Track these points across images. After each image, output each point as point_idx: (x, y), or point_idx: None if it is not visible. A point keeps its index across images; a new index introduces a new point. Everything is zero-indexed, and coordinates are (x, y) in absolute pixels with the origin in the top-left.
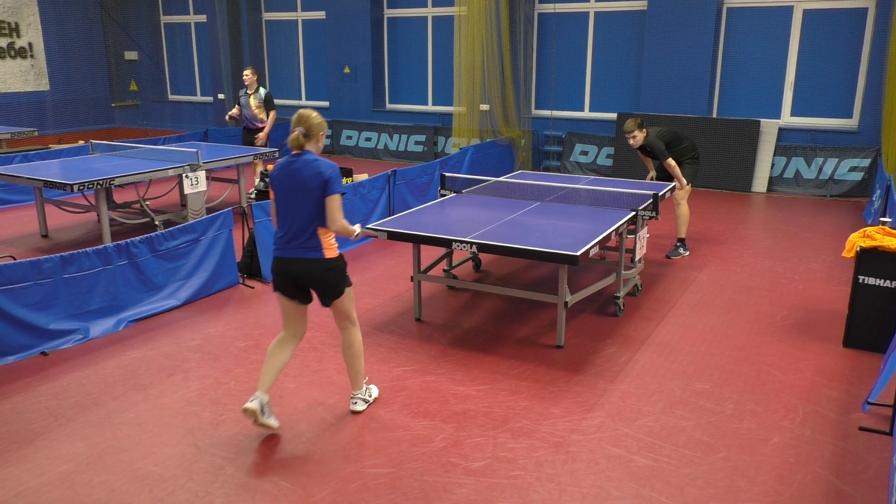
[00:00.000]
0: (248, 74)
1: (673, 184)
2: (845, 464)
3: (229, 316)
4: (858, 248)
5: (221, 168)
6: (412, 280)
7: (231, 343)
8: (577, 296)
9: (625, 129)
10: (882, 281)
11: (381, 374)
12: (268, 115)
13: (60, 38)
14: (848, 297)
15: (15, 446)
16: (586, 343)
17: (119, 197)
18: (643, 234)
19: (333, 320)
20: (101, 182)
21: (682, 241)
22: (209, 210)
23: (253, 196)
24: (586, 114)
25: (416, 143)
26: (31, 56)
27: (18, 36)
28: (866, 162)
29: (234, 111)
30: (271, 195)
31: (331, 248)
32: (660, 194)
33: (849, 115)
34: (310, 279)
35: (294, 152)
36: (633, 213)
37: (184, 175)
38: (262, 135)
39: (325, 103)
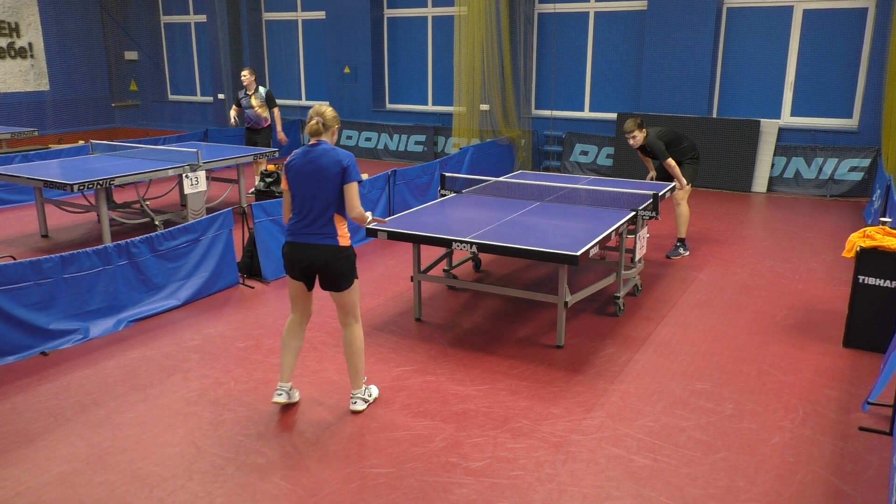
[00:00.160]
0: (245, 75)
1: (673, 184)
2: (845, 464)
3: (229, 316)
4: (858, 248)
5: (221, 168)
6: (412, 280)
7: (231, 343)
8: (577, 296)
9: (625, 129)
10: (882, 281)
11: (381, 374)
12: (271, 112)
13: (60, 38)
14: (848, 297)
15: (15, 446)
16: (586, 343)
17: (119, 197)
18: (643, 234)
19: (337, 318)
20: (101, 182)
21: (682, 241)
22: (209, 210)
23: (253, 194)
24: (586, 114)
25: (416, 143)
26: (31, 56)
27: (18, 36)
28: (866, 162)
29: (233, 112)
30: (284, 185)
31: (344, 238)
32: (660, 194)
33: (849, 115)
34: (322, 265)
35: (311, 142)
36: (633, 213)
37: (184, 175)
38: (280, 136)
39: (326, 103)
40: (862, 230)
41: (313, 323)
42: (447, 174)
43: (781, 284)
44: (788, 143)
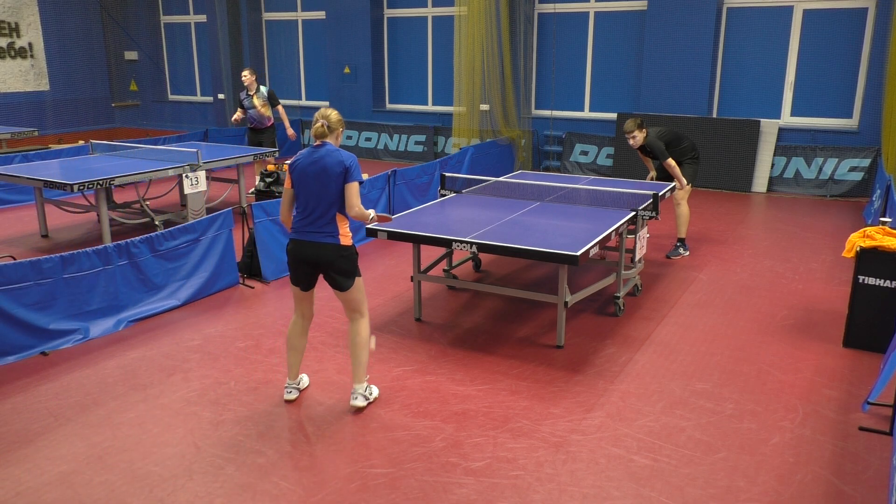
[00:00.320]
0: (246, 75)
1: (673, 184)
2: (845, 464)
3: (229, 316)
4: (858, 248)
5: (221, 168)
6: (412, 280)
7: (231, 343)
8: (577, 296)
9: (624, 129)
10: (882, 281)
11: (381, 374)
12: (276, 111)
13: (60, 38)
14: (848, 297)
15: (15, 446)
16: (586, 343)
17: (119, 197)
18: (643, 234)
19: (337, 318)
20: (101, 182)
21: (682, 241)
22: (209, 210)
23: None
24: (586, 114)
25: (416, 143)
26: (31, 56)
27: (18, 36)
28: (866, 162)
29: (238, 115)
30: (288, 183)
31: (346, 237)
32: (660, 194)
33: (849, 115)
34: (324, 263)
35: (316, 143)
36: (633, 213)
37: (184, 175)
38: (290, 131)
39: (325, 103)
40: (862, 230)
41: (314, 323)
42: (447, 174)
43: (781, 284)
44: (788, 143)
